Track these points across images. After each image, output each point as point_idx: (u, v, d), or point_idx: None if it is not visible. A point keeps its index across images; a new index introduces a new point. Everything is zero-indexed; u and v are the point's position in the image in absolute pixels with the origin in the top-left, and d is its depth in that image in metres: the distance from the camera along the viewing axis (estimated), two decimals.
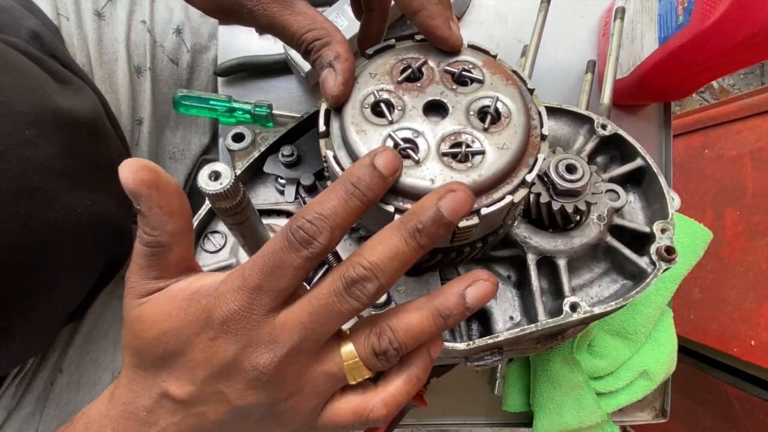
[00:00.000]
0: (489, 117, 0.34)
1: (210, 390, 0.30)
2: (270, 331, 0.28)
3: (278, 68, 0.65)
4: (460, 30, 0.37)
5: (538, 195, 0.42)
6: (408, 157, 0.33)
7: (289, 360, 0.29)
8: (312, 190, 0.44)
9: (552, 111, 0.49)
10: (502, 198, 0.33)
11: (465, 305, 0.29)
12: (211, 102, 0.60)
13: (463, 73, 0.36)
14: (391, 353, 0.30)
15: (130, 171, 0.27)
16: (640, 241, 0.43)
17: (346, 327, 0.31)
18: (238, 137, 0.44)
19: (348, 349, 0.30)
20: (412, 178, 0.32)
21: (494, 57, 0.38)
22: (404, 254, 0.28)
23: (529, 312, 0.42)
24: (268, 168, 0.44)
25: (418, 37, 0.39)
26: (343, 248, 0.42)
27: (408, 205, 0.32)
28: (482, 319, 0.44)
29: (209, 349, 0.29)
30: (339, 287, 0.28)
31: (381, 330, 0.30)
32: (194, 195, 0.77)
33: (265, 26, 0.37)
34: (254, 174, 0.45)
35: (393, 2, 0.38)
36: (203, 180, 0.28)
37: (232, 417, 0.30)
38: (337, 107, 0.35)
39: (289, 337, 0.28)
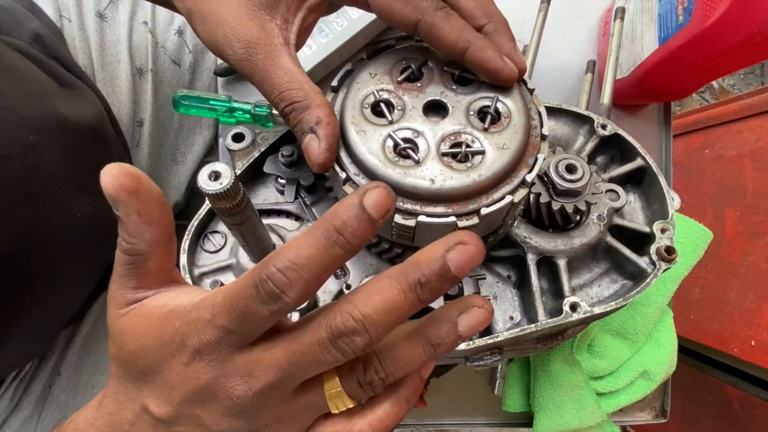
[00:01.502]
0: (489, 117, 0.34)
1: (187, 413, 0.29)
2: (245, 364, 0.27)
3: None
4: (519, 53, 0.35)
5: (538, 195, 0.42)
6: (408, 157, 0.33)
7: (265, 394, 0.27)
8: (312, 190, 0.44)
9: (552, 111, 0.49)
10: (502, 198, 0.33)
11: (457, 334, 0.27)
12: (211, 102, 0.60)
13: (463, 73, 0.36)
14: (376, 383, 0.28)
15: (111, 176, 0.26)
16: (640, 241, 0.43)
17: None
18: (238, 137, 0.44)
19: (332, 381, 0.28)
20: (412, 178, 0.32)
21: None
22: (401, 309, 0.25)
23: (529, 312, 0.42)
24: (268, 168, 0.44)
25: (418, 38, 0.39)
26: None
27: (408, 206, 0.32)
28: None
29: (184, 372, 0.28)
30: (323, 338, 0.25)
31: (367, 360, 0.28)
32: (195, 195, 0.77)
33: (247, 73, 0.35)
34: (254, 174, 0.45)
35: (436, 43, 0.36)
36: (203, 180, 0.28)
37: None
38: (324, 172, 0.35)
39: (264, 374, 0.27)
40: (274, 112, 0.61)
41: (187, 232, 0.40)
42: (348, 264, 0.41)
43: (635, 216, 0.47)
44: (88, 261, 0.55)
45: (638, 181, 0.48)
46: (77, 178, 0.51)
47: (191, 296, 0.29)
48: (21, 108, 0.45)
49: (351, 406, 0.29)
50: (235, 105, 0.61)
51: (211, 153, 0.77)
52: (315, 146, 0.33)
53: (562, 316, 0.39)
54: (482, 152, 0.33)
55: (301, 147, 0.34)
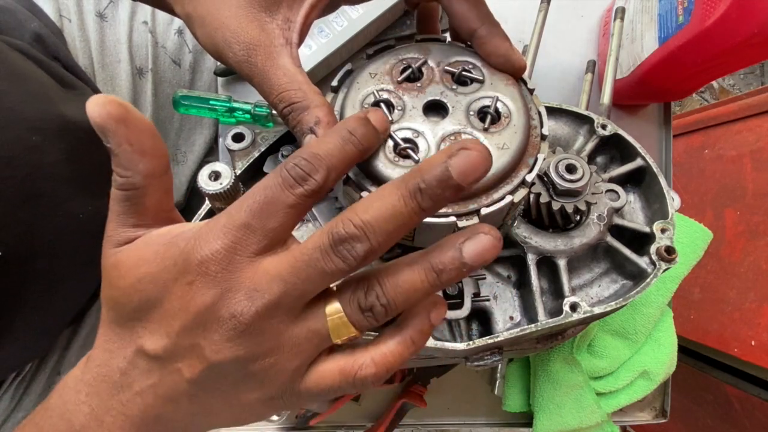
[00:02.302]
0: (489, 117, 0.34)
1: (186, 343, 0.27)
2: (251, 277, 0.26)
3: None
4: (518, 52, 0.37)
5: (538, 195, 0.42)
6: (408, 157, 0.33)
7: (267, 313, 0.26)
8: None
9: (552, 111, 0.49)
10: (502, 198, 0.33)
11: (462, 260, 0.26)
12: (211, 102, 0.60)
13: (463, 73, 0.36)
14: (378, 309, 0.27)
15: (96, 104, 0.26)
16: (640, 241, 0.43)
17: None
18: (238, 137, 0.44)
19: (333, 305, 0.28)
20: None
21: None
22: (401, 215, 0.25)
23: (529, 312, 0.42)
24: (268, 168, 0.44)
25: (418, 37, 0.39)
26: None
27: None
28: (482, 319, 0.44)
29: (186, 294, 0.27)
30: (324, 243, 0.25)
31: (369, 285, 0.27)
32: (195, 195, 0.77)
33: (246, 75, 0.35)
34: (254, 174, 0.45)
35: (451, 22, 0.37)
36: (203, 180, 0.28)
37: (207, 375, 0.28)
38: None
39: (268, 288, 0.26)
40: (274, 112, 0.61)
41: None
42: None
43: (635, 216, 0.47)
44: (89, 261, 0.55)
45: (638, 181, 0.48)
46: (79, 179, 0.51)
47: (197, 224, 0.28)
48: (23, 109, 0.45)
49: (353, 335, 0.28)
50: (235, 105, 0.61)
51: (211, 153, 0.77)
52: None
53: (562, 316, 0.39)
54: None
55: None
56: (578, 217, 0.44)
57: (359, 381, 0.28)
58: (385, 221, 0.25)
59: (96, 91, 0.61)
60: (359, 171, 0.34)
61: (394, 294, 0.27)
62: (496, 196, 0.33)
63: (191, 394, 0.29)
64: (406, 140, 0.33)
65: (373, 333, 0.32)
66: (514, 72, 0.36)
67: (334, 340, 0.28)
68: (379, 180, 0.33)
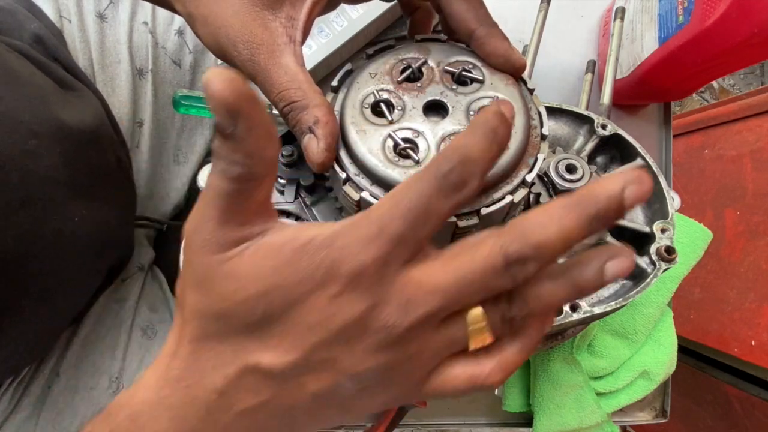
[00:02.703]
0: None
1: (320, 357, 0.25)
2: (403, 289, 0.25)
3: None
4: (517, 51, 0.37)
5: (538, 195, 0.42)
6: (408, 157, 0.33)
7: (421, 325, 0.25)
8: (312, 190, 0.44)
9: (552, 111, 0.49)
10: (502, 198, 0.33)
11: (603, 280, 0.26)
12: None
13: (463, 72, 0.36)
14: (517, 320, 0.27)
15: (222, 79, 0.22)
16: (640, 241, 0.43)
17: None
18: None
19: (476, 313, 0.27)
20: None
21: None
22: (573, 239, 0.25)
23: None
24: None
25: (418, 37, 0.39)
26: None
27: None
28: None
29: (329, 308, 0.25)
30: (499, 263, 0.24)
31: (511, 294, 0.27)
32: (194, 195, 0.77)
33: (249, 73, 0.34)
34: None
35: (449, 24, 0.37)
36: (203, 180, 0.28)
37: (336, 387, 0.26)
38: (324, 172, 0.35)
39: (425, 301, 0.25)
40: (274, 112, 0.61)
41: None
42: None
43: (635, 216, 0.47)
44: (86, 266, 0.55)
45: None
46: (75, 183, 0.50)
47: (322, 227, 0.26)
48: (20, 113, 0.45)
49: (489, 342, 0.28)
50: None
51: (210, 153, 0.77)
52: (314, 146, 0.33)
53: (562, 316, 0.39)
54: None
55: (301, 147, 0.34)
56: None
57: (485, 387, 0.28)
58: (560, 244, 0.25)
59: (96, 92, 0.61)
60: (359, 171, 0.34)
61: (534, 305, 0.27)
62: (496, 196, 0.33)
63: (310, 408, 0.27)
64: (406, 140, 0.34)
65: None
66: (515, 71, 0.36)
67: (471, 347, 0.28)
68: (378, 180, 0.33)
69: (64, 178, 0.49)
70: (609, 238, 0.43)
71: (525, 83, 0.37)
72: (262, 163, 0.24)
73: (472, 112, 0.35)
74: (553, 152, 0.45)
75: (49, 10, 0.61)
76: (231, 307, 0.25)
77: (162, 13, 0.69)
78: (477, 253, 0.25)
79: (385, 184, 0.33)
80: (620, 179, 0.25)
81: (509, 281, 0.25)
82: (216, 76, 0.22)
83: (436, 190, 0.25)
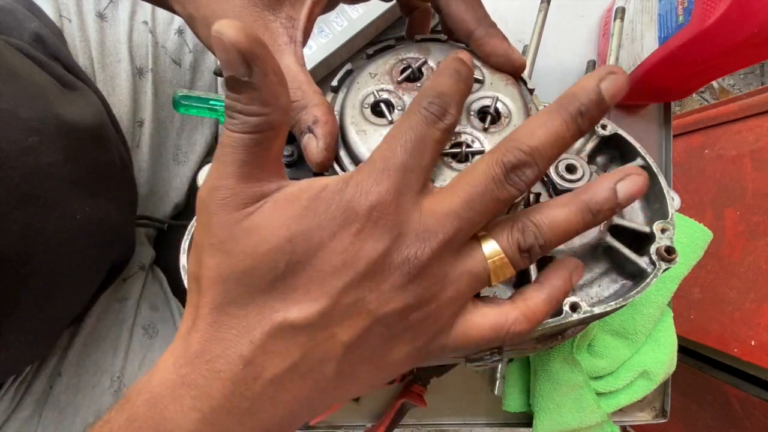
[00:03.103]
0: (489, 117, 0.34)
1: (348, 300, 0.25)
2: (418, 218, 0.26)
3: None
4: (517, 51, 0.37)
5: (538, 195, 0.42)
6: None
7: (440, 253, 0.26)
8: None
9: None
10: None
11: (616, 201, 0.27)
12: (211, 102, 0.60)
13: None
14: (535, 250, 0.27)
15: (234, 28, 0.22)
16: (640, 241, 0.43)
17: None
18: None
19: (491, 246, 0.27)
20: None
21: None
22: (564, 139, 0.26)
23: None
24: None
25: (418, 37, 0.39)
26: None
27: None
28: None
29: (352, 247, 0.25)
30: (498, 173, 0.26)
31: (524, 225, 0.27)
32: (194, 195, 0.77)
33: None
34: None
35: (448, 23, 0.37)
36: (203, 179, 0.28)
37: (366, 334, 0.26)
38: (324, 171, 0.35)
39: (441, 226, 0.26)
40: None
41: (187, 232, 0.40)
42: None
43: (635, 216, 0.47)
44: (88, 263, 0.55)
45: None
46: (76, 180, 0.50)
47: (333, 177, 0.27)
48: (20, 110, 0.45)
49: (511, 275, 0.28)
50: None
51: (211, 152, 0.77)
52: (313, 145, 0.33)
53: (562, 316, 0.39)
54: (482, 152, 0.33)
55: (301, 147, 0.34)
56: None
57: (511, 336, 0.28)
58: (551, 146, 0.26)
59: (96, 91, 0.61)
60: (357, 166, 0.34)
61: (551, 234, 0.27)
62: None
63: (341, 362, 0.26)
64: None
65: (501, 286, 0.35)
66: (515, 71, 0.36)
67: (493, 282, 0.28)
68: None
69: (66, 174, 0.49)
70: (609, 238, 0.43)
71: (525, 83, 0.37)
72: (279, 111, 0.25)
73: (472, 112, 0.35)
74: None
75: (48, 10, 0.61)
76: (255, 263, 0.25)
77: (162, 12, 0.69)
78: (477, 171, 0.27)
79: None
80: (594, 75, 0.27)
81: (513, 190, 0.26)
82: (228, 25, 0.22)
83: (424, 120, 0.27)
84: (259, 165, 0.25)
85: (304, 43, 0.36)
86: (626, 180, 0.27)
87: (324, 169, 0.34)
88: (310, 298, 0.25)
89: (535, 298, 0.29)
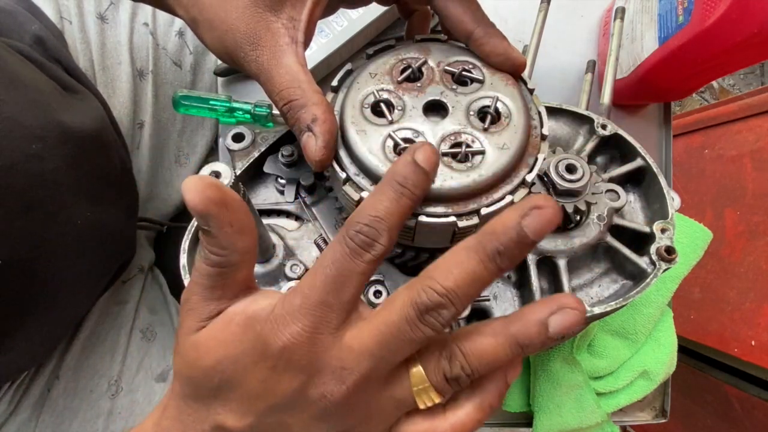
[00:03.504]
0: (489, 117, 0.34)
1: (272, 420, 0.28)
2: (337, 355, 0.26)
3: None
4: (516, 50, 0.37)
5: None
6: None
7: (358, 388, 0.27)
8: (312, 190, 0.44)
9: (552, 111, 0.49)
10: (502, 198, 0.33)
11: (548, 335, 0.26)
12: (211, 102, 0.60)
13: (463, 72, 0.36)
14: (463, 379, 0.27)
15: (195, 190, 0.25)
16: (640, 241, 0.43)
17: None
18: (238, 137, 0.44)
19: (417, 372, 0.28)
20: None
21: None
22: (483, 279, 0.25)
23: None
24: (268, 168, 0.44)
25: (418, 37, 0.39)
26: None
27: None
28: (482, 319, 0.44)
29: (270, 379, 0.27)
30: (411, 315, 0.25)
31: (452, 353, 0.27)
32: None
33: (253, 73, 0.36)
34: (254, 174, 0.45)
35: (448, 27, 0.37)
36: None
37: None
38: (323, 170, 0.35)
39: (357, 364, 0.26)
40: (275, 111, 0.61)
41: (187, 232, 0.41)
42: None
43: (635, 216, 0.47)
44: (90, 268, 0.55)
45: (638, 181, 0.48)
46: (78, 186, 0.50)
47: (270, 298, 0.29)
48: (23, 117, 0.45)
49: (438, 401, 0.28)
50: (235, 105, 0.61)
51: (212, 154, 0.77)
52: (312, 144, 0.33)
53: None
54: (482, 152, 0.33)
55: (300, 145, 0.34)
56: (578, 217, 0.44)
57: None
58: (467, 286, 0.25)
59: (97, 94, 0.61)
60: (359, 171, 0.34)
61: (479, 365, 0.27)
62: (496, 196, 0.33)
63: None
64: (406, 140, 0.34)
65: None
66: (515, 70, 0.36)
67: (419, 406, 0.28)
68: (378, 180, 0.33)
69: (68, 181, 0.49)
70: (609, 238, 0.43)
71: (525, 83, 0.37)
72: (236, 254, 0.27)
73: (472, 112, 0.35)
74: (553, 152, 0.45)
75: (49, 11, 0.61)
76: (196, 374, 0.29)
77: (162, 14, 0.69)
78: (393, 308, 0.26)
79: None
80: (517, 210, 0.25)
81: (429, 331, 0.26)
82: (188, 185, 0.25)
83: (346, 254, 0.26)
84: (220, 288, 0.29)
85: (307, 43, 0.37)
86: (559, 314, 0.26)
87: (323, 167, 0.34)
88: (241, 412, 0.28)
89: (468, 407, 0.29)
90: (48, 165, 0.47)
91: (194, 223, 0.41)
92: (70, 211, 0.49)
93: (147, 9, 0.68)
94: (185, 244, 0.40)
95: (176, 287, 0.74)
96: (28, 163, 0.45)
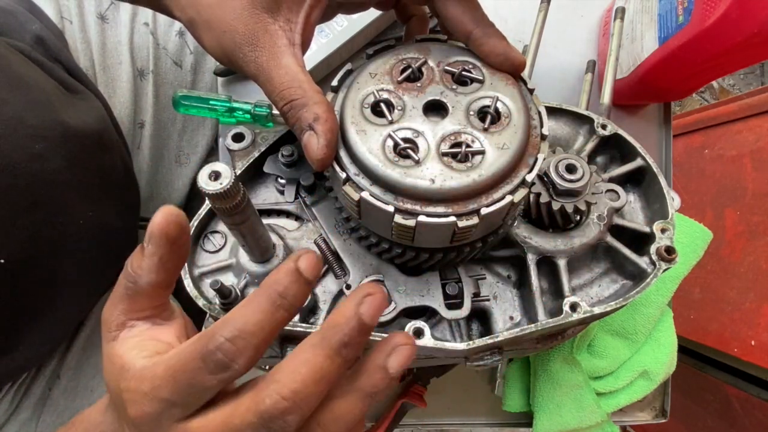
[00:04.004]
0: (489, 117, 0.34)
1: None
2: None
3: None
4: (516, 49, 0.37)
5: (538, 195, 0.42)
6: (408, 157, 0.33)
7: None
8: (312, 190, 0.44)
9: (552, 111, 0.49)
10: (502, 198, 0.33)
11: (391, 377, 0.27)
12: (211, 102, 0.60)
13: (463, 72, 0.36)
14: None
15: (164, 217, 0.27)
16: (640, 241, 0.43)
17: None
18: (238, 137, 0.44)
19: None
20: (412, 178, 0.32)
21: None
22: (330, 374, 0.25)
23: (529, 312, 0.42)
24: (268, 168, 0.44)
25: (418, 37, 0.39)
26: (344, 248, 0.42)
27: (408, 206, 0.32)
28: (482, 319, 0.44)
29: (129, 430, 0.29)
30: (254, 423, 0.25)
31: (309, 428, 0.27)
32: (195, 197, 0.77)
33: (252, 74, 0.36)
34: (254, 174, 0.45)
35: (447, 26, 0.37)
36: (203, 180, 0.28)
37: None
38: (324, 169, 0.35)
39: None
40: (275, 111, 0.61)
41: None
42: (348, 264, 0.41)
43: (635, 216, 0.47)
44: (93, 267, 0.55)
45: (638, 181, 0.48)
46: (80, 185, 0.51)
47: (146, 352, 0.29)
48: (27, 117, 0.45)
49: None
50: (235, 105, 0.61)
51: (212, 154, 0.77)
52: (314, 143, 0.33)
53: (562, 316, 0.39)
54: (482, 152, 0.33)
55: (301, 145, 0.34)
56: (578, 217, 0.44)
57: None
58: (314, 384, 0.25)
59: (97, 94, 0.61)
60: (359, 171, 0.34)
61: (336, 428, 0.27)
62: (496, 195, 0.33)
63: None
64: (406, 140, 0.34)
65: None
66: (514, 69, 0.36)
67: None
68: (378, 180, 0.33)
69: (70, 180, 0.49)
70: (609, 238, 0.43)
71: (525, 83, 0.37)
72: (145, 282, 0.29)
73: (472, 112, 0.35)
74: (553, 152, 0.45)
75: (50, 11, 0.61)
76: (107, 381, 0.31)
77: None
78: (237, 411, 0.26)
79: (385, 184, 0.33)
80: (352, 301, 0.26)
81: None
82: (163, 211, 0.27)
83: (201, 367, 0.25)
84: (126, 301, 0.30)
85: (305, 45, 0.37)
86: (394, 355, 0.27)
87: (324, 166, 0.34)
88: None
89: None
90: (51, 164, 0.47)
91: (194, 223, 0.41)
92: (72, 210, 0.49)
93: (147, 9, 0.68)
94: None
95: (176, 288, 0.74)
96: (31, 162, 0.45)
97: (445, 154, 0.33)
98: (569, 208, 0.41)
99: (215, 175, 0.28)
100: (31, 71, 0.51)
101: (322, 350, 0.25)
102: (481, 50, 0.36)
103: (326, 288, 0.42)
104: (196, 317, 0.76)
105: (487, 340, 0.39)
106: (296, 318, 0.39)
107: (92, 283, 0.57)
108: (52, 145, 0.47)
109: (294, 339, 0.39)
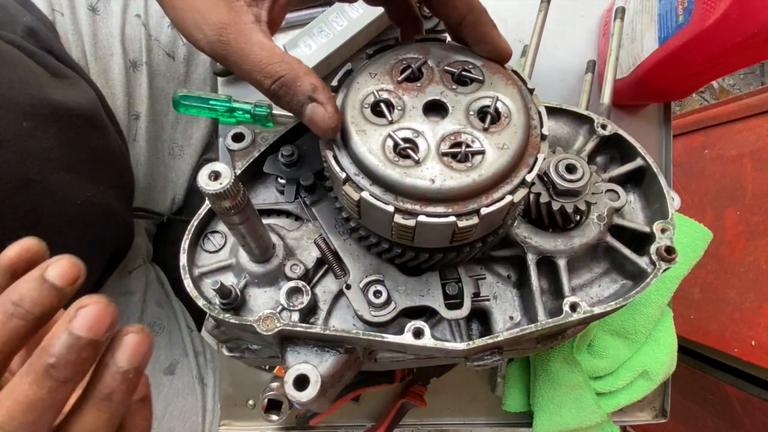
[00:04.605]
0: (489, 117, 0.34)
1: None
2: None
3: None
4: (504, 40, 0.36)
5: (538, 195, 0.42)
6: (408, 157, 0.33)
7: None
8: (312, 190, 0.44)
9: (552, 111, 0.49)
10: (502, 198, 0.33)
11: (122, 371, 0.25)
12: (211, 102, 0.60)
13: (463, 72, 0.36)
14: None
15: (65, 261, 0.25)
16: (640, 241, 0.43)
17: None
18: (238, 137, 0.44)
19: None
20: (412, 178, 0.32)
21: None
22: (42, 400, 0.23)
23: (529, 312, 0.42)
24: (268, 168, 0.44)
25: (418, 37, 0.39)
26: (344, 248, 0.42)
27: (408, 205, 0.32)
28: (482, 319, 0.44)
29: None
30: None
31: None
32: (193, 194, 0.77)
33: (220, 56, 0.33)
34: (254, 174, 0.45)
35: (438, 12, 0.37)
36: (203, 180, 0.28)
37: None
38: (334, 137, 0.34)
39: None
40: (275, 111, 0.61)
41: (187, 232, 0.40)
42: (348, 264, 0.41)
43: (635, 216, 0.47)
44: (89, 249, 0.55)
45: (638, 181, 0.48)
46: (74, 165, 0.50)
47: None
48: (12, 94, 0.45)
49: None
50: (235, 105, 0.61)
51: (209, 148, 0.77)
52: (321, 112, 0.32)
53: (562, 316, 0.39)
54: (482, 152, 0.33)
55: (303, 119, 0.33)
56: (578, 217, 0.44)
57: None
58: (23, 414, 0.23)
59: (89, 83, 0.61)
60: (359, 171, 0.34)
61: None
62: (496, 195, 0.33)
63: None
64: (406, 140, 0.33)
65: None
66: (500, 60, 0.36)
67: None
68: (378, 180, 0.33)
69: (62, 159, 0.49)
70: (609, 238, 0.43)
71: (525, 83, 0.37)
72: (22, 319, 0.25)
73: (472, 112, 0.35)
74: (553, 152, 0.45)
75: (41, 3, 0.61)
76: None
77: (155, 5, 0.69)
78: None
79: (385, 184, 0.33)
80: (62, 318, 0.24)
81: None
82: (62, 258, 0.25)
83: None
84: None
85: (274, 25, 0.34)
86: (125, 343, 0.26)
87: (335, 134, 0.33)
88: None
89: None
90: (42, 143, 0.47)
91: (194, 223, 0.41)
92: (67, 190, 0.49)
93: (139, 0, 0.68)
94: (185, 243, 0.40)
95: (177, 285, 0.75)
96: (20, 140, 0.44)
97: (445, 154, 0.33)
98: (569, 208, 0.41)
99: (215, 175, 0.28)
100: (18, 55, 0.51)
101: (27, 377, 0.24)
102: (471, 36, 0.36)
103: (326, 288, 0.42)
104: (197, 317, 0.77)
105: (487, 340, 0.39)
106: (296, 318, 0.39)
107: (90, 265, 0.57)
108: (41, 123, 0.47)
109: (294, 339, 0.39)
